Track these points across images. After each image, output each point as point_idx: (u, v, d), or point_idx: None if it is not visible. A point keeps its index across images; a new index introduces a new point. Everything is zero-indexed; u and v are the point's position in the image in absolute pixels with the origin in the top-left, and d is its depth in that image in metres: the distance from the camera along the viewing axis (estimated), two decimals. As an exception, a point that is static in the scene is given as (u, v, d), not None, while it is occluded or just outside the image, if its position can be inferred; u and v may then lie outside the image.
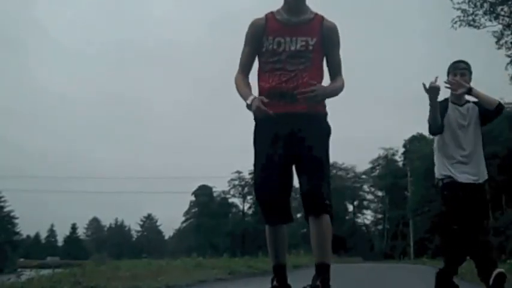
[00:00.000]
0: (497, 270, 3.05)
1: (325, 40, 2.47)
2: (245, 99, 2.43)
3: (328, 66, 2.54)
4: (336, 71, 2.54)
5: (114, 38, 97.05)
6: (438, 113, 3.20)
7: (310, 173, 2.37)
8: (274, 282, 2.49)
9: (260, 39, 2.48)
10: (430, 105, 3.19)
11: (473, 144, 3.32)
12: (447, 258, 3.38)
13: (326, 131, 2.49)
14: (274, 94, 2.41)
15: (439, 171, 3.35)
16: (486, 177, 3.34)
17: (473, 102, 3.39)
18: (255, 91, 2.55)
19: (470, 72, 3.35)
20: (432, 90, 3.12)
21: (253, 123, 2.55)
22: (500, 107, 3.29)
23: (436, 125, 3.24)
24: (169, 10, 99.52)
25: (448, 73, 3.35)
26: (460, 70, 3.31)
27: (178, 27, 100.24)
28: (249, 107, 2.39)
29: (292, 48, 2.43)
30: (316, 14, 2.50)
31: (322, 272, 2.30)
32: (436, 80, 3.13)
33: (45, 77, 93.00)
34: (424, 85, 3.12)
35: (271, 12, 2.51)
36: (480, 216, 3.25)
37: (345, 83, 2.55)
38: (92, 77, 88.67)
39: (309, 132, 2.39)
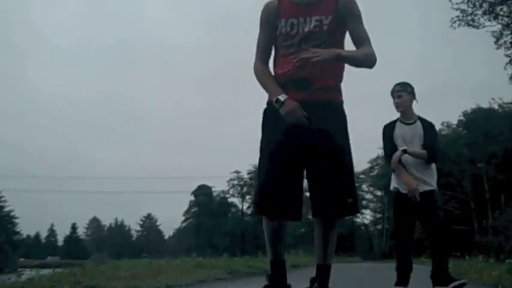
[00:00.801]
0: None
1: (343, 16, 2.28)
2: (273, 93, 2.23)
3: (353, 42, 2.32)
4: (362, 40, 2.30)
5: (114, 38, 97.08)
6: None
7: (328, 169, 2.19)
8: (272, 279, 2.31)
9: (274, 23, 2.31)
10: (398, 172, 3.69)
11: (417, 161, 3.70)
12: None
13: (344, 121, 2.33)
14: (289, 81, 2.25)
15: (392, 182, 3.88)
16: (434, 187, 3.74)
17: (423, 122, 3.80)
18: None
19: (410, 91, 3.74)
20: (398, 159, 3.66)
21: (262, 111, 2.39)
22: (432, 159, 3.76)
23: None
24: (169, 10, 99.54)
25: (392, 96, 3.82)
26: (396, 93, 3.76)
27: (178, 27, 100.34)
28: (278, 102, 2.19)
29: (306, 29, 2.26)
30: None
31: (323, 274, 2.26)
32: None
33: (45, 78, 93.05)
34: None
35: None
36: (428, 219, 3.73)
37: (375, 56, 2.30)
38: (92, 78, 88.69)
39: (332, 118, 2.24)
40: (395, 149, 3.71)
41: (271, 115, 2.29)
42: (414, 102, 3.78)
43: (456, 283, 3.56)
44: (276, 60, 2.37)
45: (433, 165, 3.79)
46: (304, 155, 2.23)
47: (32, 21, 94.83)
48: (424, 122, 3.81)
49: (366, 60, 2.28)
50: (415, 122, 3.79)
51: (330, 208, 2.22)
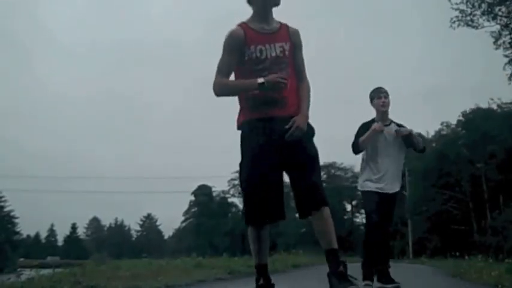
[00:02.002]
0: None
1: (294, 44, 2.67)
2: (251, 83, 2.50)
3: (294, 67, 2.68)
4: (301, 70, 2.71)
5: (114, 37, 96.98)
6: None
7: (308, 171, 2.50)
8: (261, 281, 2.63)
9: (241, 50, 2.57)
10: (370, 138, 3.91)
11: (390, 161, 3.98)
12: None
13: (312, 131, 2.65)
14: (264, 101, 2.53)
15: (360, 181, 4.13)
16: (397, 189, 4.06)
17: (397, 125, 4.07)
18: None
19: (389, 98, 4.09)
20: (380, 127, 3.94)
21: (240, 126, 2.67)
22: (423, 151, 4.18)
23: (364, 149, 3.99)
24: (173, 9, 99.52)
25: (373, 98, 4.08)
26: (383, 93, 4.05)
27: (178, 27, 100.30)
28: (261, 85, 2.47)
29: (273, 54, 2.58)
30: (282, 23, 2.69)
31: (335, 256, 2.48)
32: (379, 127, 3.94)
33: (46, 77, 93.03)
34: (376, 123, 3.96)
35: (244, 23, 2.64)
36: (385, 220, 4.02)
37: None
38: (92, 77, 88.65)
39: (300, 139, 2.52)
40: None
41: (246, 135, 2.59)
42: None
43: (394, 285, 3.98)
44: None
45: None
46: (282, 163, 2.54)
47: (39, 19, 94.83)
48: (398, 125, 4.12)
49: (310, 96, 2.69)
50: (390, 124, 4.10)
51: (315, 201, 2.50)
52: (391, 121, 4.13)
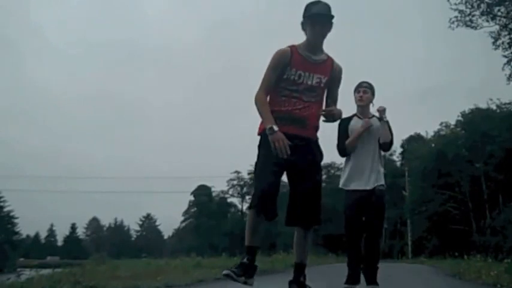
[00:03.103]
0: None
1: (332, 79, 2.95)
2: (268, 121, 2.74)
3: (327, 98, 3.00)
4: (334, 103, 3.01)
5: (108, 37, 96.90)
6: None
7: (310, 194, 2.81)
8: (245, 259, 2.84)
9: (285, 68, 2.83)
10: (358, 137, 3.86)
11: (370, 156, 3.90)
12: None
13: (322, 156, 2.95)
14: (287, 118, 2.81)
15: (344, 181, 4.01)
16: (380, 185, 3.90)
17: (377, 118, 3.99)
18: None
19: (373, 92, 4.00)
20: (368, 125, 3.86)
21: (255, 122, 2.89)
22: (389, 145, 4.00)
23: (351, 150, 3.92)
24: (169, 9, 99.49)
25: (354, 92, 4.03)
26: (362, 88, 3.98)
27: (178, 27, 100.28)
28: (269, 130, 2.70)
29: (309, 82, 2.86)
30: (329, 56, 2.95)
31: (301, 270, 2.86)
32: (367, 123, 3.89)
33: (46, 77, 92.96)
34: (363, 120, 3.89)
35: (294, 46, 2.89)
36: (372, 218, 3.89)
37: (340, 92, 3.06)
38: (92, 77, 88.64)
39: (312, 155, 2.86)
40: (347, 138, 3.94)
41: (264, 143, 2.82)
42: (372, 103, 4.02)
43: None
44: (275, 96, 2.88)
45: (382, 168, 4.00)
46: (287, 168, 2.82)
47: (31, 19, 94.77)
48: (378, 119, 4.02)
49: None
50: (371, 117, 4.01)
51: (303, 221, 2.84)
52: (373, 115, 4.06)
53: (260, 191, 2.74)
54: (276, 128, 2.68)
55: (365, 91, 3.98)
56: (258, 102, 2.82)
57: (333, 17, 2.85)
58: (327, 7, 2.85)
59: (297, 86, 2.83)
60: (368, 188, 3.87)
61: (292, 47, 2.88)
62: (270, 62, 2.85)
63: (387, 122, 3.98)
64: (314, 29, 2.83)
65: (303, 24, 2.89)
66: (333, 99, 2.99)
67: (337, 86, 3.01)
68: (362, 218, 3.90)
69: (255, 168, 2.89)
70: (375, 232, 3.96)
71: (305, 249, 2.88)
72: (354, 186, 3.92)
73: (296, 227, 2.89)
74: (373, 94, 4.01)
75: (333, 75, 2.92)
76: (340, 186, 4.06)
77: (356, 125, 3.95)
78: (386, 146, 4.00)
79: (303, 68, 2.84)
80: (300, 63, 2.84)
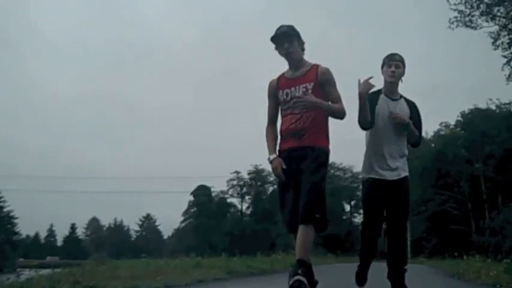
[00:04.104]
0: None
1: (322, 82, 3.11)
2: (269, 153, 3.17)
3: (330, 100, 3.13)
4: (335, 102, 3.13)
5: (108, 37, 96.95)
6: (368, 109, 3.34)
7: (305, 192, 2.95)
8: (272, 157, 3.13)
9: (275, 95, 3.22)
10: (362, 103, 3.31)
11: (393, 142, 3.46)
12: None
13: (323, 159, 3.05)
14: (288, 134, 3.13)
15: (364, 169, 3.55)
16: (407, 173, 3.50)
17: (406, 100, 3.54)
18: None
19: (404, 66, 3.47)
20: (365, 87, 3.26)
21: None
22: (417, 144, 3.57)
23: (366, 121, 3.36)
24: (169, 9, 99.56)
25: (383, 65, 3.50)
26: (395, 61, 3.44)
27: (178, 27, 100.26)
28: (268, 159, 3.14)
29: (297, 94, 3.12)
30: (313, 65, 3.17)
31: (302, 265, 2.89)
32: (369, 79, 3.28)
33: (45, 77, 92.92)
34: (358, 81, 3.29)
35: (282, 73, 3.25)
36: (399, 213, 3.43)
37: (346, 110, 3.13)
38: (92, 77, 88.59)
39: (310, 158, 3.00)
40: (372, 121, 3.41)
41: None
42: (401, 79, 3.51)
43: None
44: (281, 120, 3.23)
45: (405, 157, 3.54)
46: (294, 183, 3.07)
47: (31, 19, 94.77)
48: (408, 101, 3.54)
49: (337, 113, 3.12)
50: (400, 98, 3.53)
51: (301, 218, 2.95)
52: (401, 96, 3.53)
53: (284, 221, 3.12)
54: (272, 157, 3.13)
55: (397, 65, 3.44)
56: (266, 132, 3.27)
57: (290, 31, 3.13)
58: (285, 26, 3.16)
59: (287, 103, 3.14)
60: (390, 177, 3.40)
61: (280, 75, 3.25)
62: (267, 94, 3.27)
63: (409, 123, 3.45)
64: (280, 50, 3.16)
65: (276, 49, 3.20)
66: (333, 99, 3.12)
67: (332, 86, 3.14)
68: (382, 211, 3.42)
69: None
70: (399, 228, 3.44)
71: (303, 245, 2.92)
72: (374, 174, 3.44)
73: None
74: (404, 68, 3.48)
75: (320, 78, 3.10)
76: (360, 175, 3.67)
77: (383, 106, 3.44)
78: (415, 144, 3.57)
79: (287, 85, 3.16)
80: (285, 83, 3.18)
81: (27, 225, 65.02)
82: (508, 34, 16.49)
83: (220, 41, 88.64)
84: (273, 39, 3.16)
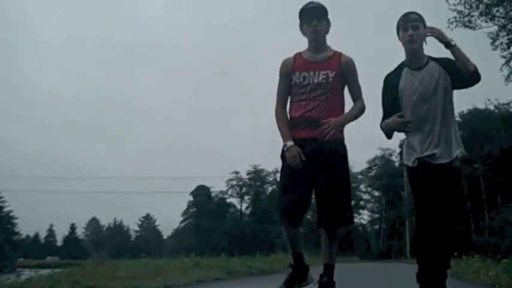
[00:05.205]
0: None
1: (344, 72, 2.88)
2: (284, 139, 2.85)
3: (349, 92, 2.96)
4: (355, 96, 2.95)
5: (114, 38, 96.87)
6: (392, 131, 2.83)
7: (331, 195, 2.76)
8: (288, 273, 2.96)
9: (290, 75, 2.90)
10: (391, 128, 2.77)
11: (440, 116, 2.71)
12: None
13: (343, 152, 2.88)
14: (301, 122, 2.84)
15: (404, 156, 2.86)
16: (459, 154, 2.73)
17: (437, 61, 2.77)
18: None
19: (425, 25, 2.76)
20: (395, 123, 2.70)
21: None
22: (476, 73, 2.69)
23: (391, 136, 2.87)
24: (165, 10, 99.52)
25: (398, 30, 2.81)
26: (411, 22, 2.73)
27: (177, 28, 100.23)
28: (284, 147, 2.82)
29: (316, 80, 2.84)
30: (336, 52, 2.92)
31: (329, 271, 2.87)
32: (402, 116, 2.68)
33: (44, 77, 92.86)
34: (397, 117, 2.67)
35: (299, 52, 2.95)
36: (448, 203, 2.68)
37: (365, 104, 2.96)
38: (92, 77, 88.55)
39: (330, 156, 2.77)
40: (395, 102, 2.77)
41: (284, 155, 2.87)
42: (425, 40, 2.77)
43: None
44: (291, 104, 2.94)
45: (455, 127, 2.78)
46: (313, 179, 2.80)
47: (28, 19, 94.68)
48: (438, 60, 2.77)
49: (359, 114, 2.93)
50: (427, 63, 2.76)
51: (331, 222, 2.83)
52: (429, 58, 2.77)
53: (281, 206, 2.82)
54: (289, 143, 2.79)
55: (415, 26, 2.71)
56: (275, 117, 2.94)
57: (321, 8, 2.86)
58: (316, 3, 2.87)
59: (304, 88, 2.84)
60: (436, 160, 2.68)
61: (296, 53, 2.95)
62: (279, 74, 2.96)
63: (455, 45, 2.67)
64: (306, 26, 2.86)
65: (300, 26, 2.93)
66: (354, 92, 2.94)
67: (354, 78, 2.93)
68: (433, 202, 2.68)
69: (280, 177, 2.97)
70: (445, 224, 2.66)
71: (330, 249, 2.88)
72: (416, 160, 2.73)
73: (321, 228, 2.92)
74: (425, 27, 2.75)
75: (342, 68, 2.86)
76: (402, 161, 2.92)
77: (408, 83, 2.75)
78: (471, 76, 2.66)
79: (306, 69, 2.86)
80: (303, 66, 2.87)
81: (27, 225, 65.04)
82: (507, 34, 16.50)
83: (220, 41, 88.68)
84: (302, 13, 2.86)
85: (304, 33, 2.92)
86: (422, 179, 2.72)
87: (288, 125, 2.90)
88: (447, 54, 2.75)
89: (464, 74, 2.67)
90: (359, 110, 2.92)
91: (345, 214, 2.81)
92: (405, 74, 2.79)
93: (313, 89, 2.83)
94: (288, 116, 2.94)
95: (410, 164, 2.77)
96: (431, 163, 2.69)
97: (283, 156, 2.87)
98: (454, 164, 2.73)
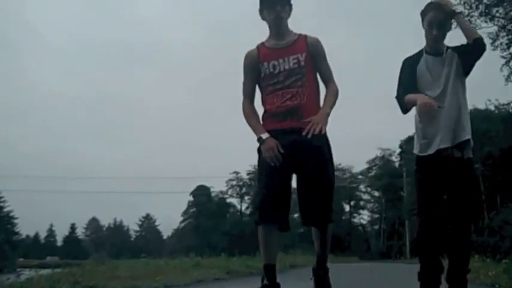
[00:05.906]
0: None
1: (312, 53, 2.71)
2: (256, 132, 2.62)
3: (320, 75, 2.77)
4: (327, 78, 2.76)
5: (114, 38, 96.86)
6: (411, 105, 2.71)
7: (316, 191, 2.56)
8: (265, 281, 2.63)
9: (256, 67, 2.72)
10: (415, 106, 2.68)
11: (456, 102, 2.71)
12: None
13: (326, 142, 2.66)
14: (279, 113, 2.63)
15: (415, 145, 2.80)
16: (464, 143, 2.75)
17: (452, 49, 2.79)
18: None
19: (451, 25, 2.88)
20: (423, 110, 2.58)
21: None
22: (479, 41, 2.69)
23: (408, 110, 2.77)
24: (167, 10, 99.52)
25: (423, 19, 2.85)
26: (438, 21, 2.80)
27: (178, 27, 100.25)
28: (260, 140, 2.58)
29: (287, 67, 2.66)
30: (300, 34, 2.76)
31: (323, 265, 2.78)
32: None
33: (44, 77, 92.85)
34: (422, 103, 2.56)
35: (261, 43, 2.78)
36: (463, 197, 2.59)
37: (339, 87, 2.76)
38: (92, 77, 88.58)
39: (313, 146, 2.54)
40: (413, 83, 2.72)
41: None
42: None
43: None
44: (264, 98, 2.73)
45: (467, 115, 2.79)
46: (292, 169, 2.61)
47: (28, 18, 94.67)
48: (454, 48, 2.80)
49: (337, 99, 2.71)
50: (446, 50, 2.79)
51: (316, 219, 2.65)
52: (447, 48, 2.80)
53: (258, 201, 2.64)
54: (264, 136, 2.56)
55: (439, 26, 2.79)
56: (243, 112, 2.75)
57: None
58: None
59: (276, 77, 2.66)
60: (446, 151, 2.62)
61: (259, 44, 2.78)
62: (243, 69, 2.79)
63: (460, 13, 2.76)
64: (268, 12, 2.69)
65: (260, 11, 2.76)
66: (324, 74, 2.74)
67: (323, 59, 2.75)
68: (441, 196, 2.63)
69: (258, 175, 2.76)
70: (461, 220, 2.63)
71: (323, 243, 2.74)
72: (425, 148, 2.67)
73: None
74: (451, 26, 2.84)
75: (311, 49, 2.69)
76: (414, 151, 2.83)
77: (425, 68, 2.75)
78: (474, 42, 2.67)
79: (274, 57, 2.68)
80: (270, 54, 2.70)
81: (27, 225, 65.12)
82: (507, 35, 16.50)
83: (220, 41, 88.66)
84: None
85: (264, 19, 2.74)
86: (432, 169, 2.63)
87: (259, 118, 2.72)
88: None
89: (469, 43, 2.71)
90: (335, 95, 2.71)
91: (329, 212, 2.63)
92: (424, 59, 2.80)
93: (286, 77, 2.64)
94: (263, 109, 2.74)
95: (420, 153, 2.69)
96: (443, 154, 2.62)
97: (259, 150, 2.64)
98: (465, 155, 2.69)
